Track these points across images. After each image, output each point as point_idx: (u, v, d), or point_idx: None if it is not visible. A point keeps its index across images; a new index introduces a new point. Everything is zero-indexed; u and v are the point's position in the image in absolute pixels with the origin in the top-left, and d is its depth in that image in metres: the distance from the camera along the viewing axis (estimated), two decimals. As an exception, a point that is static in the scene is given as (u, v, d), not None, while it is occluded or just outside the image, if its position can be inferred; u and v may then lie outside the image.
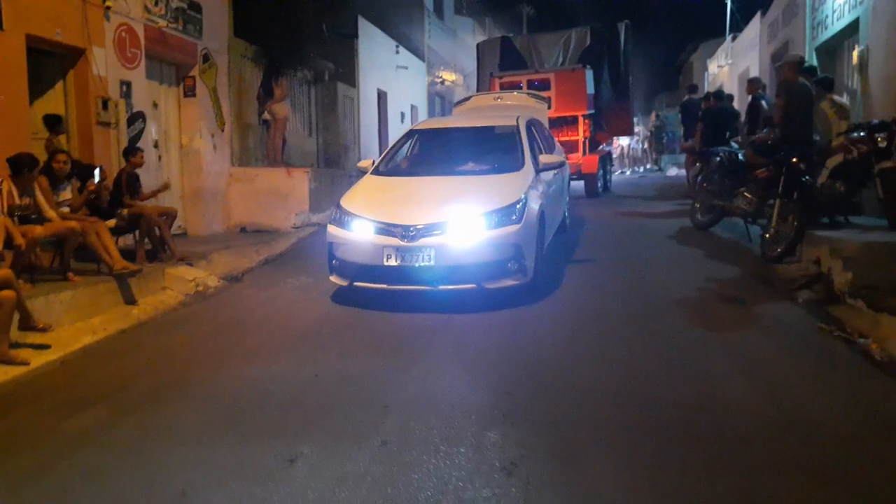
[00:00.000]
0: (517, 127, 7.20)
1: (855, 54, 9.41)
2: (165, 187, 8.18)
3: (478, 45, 17.09)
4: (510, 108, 9.58)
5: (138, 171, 7.71)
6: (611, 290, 6.35)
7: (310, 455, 3.29)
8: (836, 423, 3.56)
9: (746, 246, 7.96)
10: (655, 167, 25.92)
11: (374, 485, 2.99)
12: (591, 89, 14.01)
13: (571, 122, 13.71)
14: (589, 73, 13.98)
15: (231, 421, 3.77)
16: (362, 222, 5.91)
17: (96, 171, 7.06)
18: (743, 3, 22.06)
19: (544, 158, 6.85)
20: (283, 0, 11.41)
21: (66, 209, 6.70)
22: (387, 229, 5.73)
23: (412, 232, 5.63)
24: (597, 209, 12.02)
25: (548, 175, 7.00)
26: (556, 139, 9.59)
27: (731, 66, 21.35)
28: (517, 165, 6.62)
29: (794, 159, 7.17)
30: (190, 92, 10.25)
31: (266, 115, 12.00)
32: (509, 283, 5.77)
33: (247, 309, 6.42)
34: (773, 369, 4.37)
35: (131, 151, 7.74)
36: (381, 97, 18.85)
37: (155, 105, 9.73)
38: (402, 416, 3.72)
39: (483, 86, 15.34)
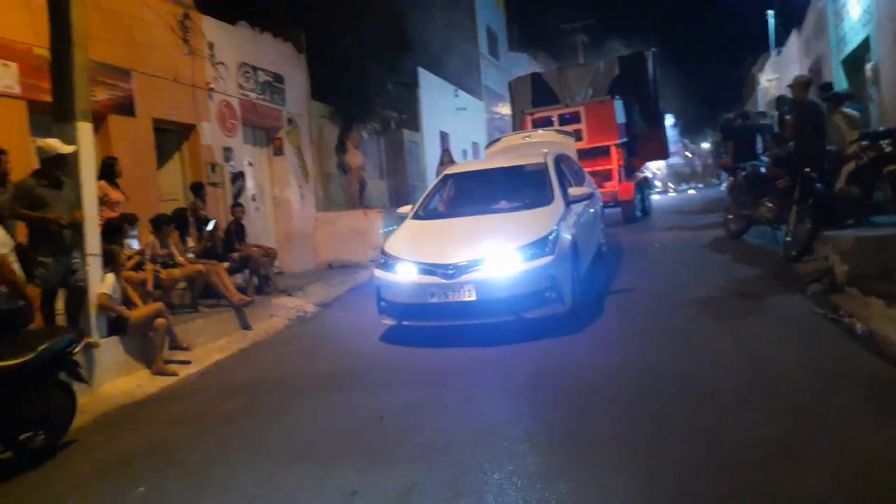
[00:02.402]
0: (545, 164, 7.44)
1: (868, 68, 10.10)
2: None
3: (510, 84, 17.37)
4: (538, 145, 9.88)
5: (242, 221, 9.26)
6: (644, 303, 6.91)
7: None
8: (799, 377, 4.48)
9: (771, 249, 8.74)
10: (717, 181, 26.21)
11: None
12: (621, 118, 14.25)
13: (604, 151, 13.86)
14: (618, 104, 14.25)
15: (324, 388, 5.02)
16: (405, 265, 6.20)
17: (211, 223, 8.58)
18: (784, 18, 22.50)
19: (574, 191, 7.10)
20: (350, 63, 12.97)
21: (191, 256, 8.22)
22: (429, 269, 6.03)
23: (452, 270, 5.91)
24: (635, 233, 12.58)
25: (578, 207, 7.21)
26: (585, 171, 9.84)
27: (778, 79, 21.80)
28: (547, 200, 6.85)
29: (807, 169, 8.00)
30: (278, 151, 11.86)
31: (343, 165, 13.53)
32: (548, 311, 5.96)
33: (337, 328, 7.73)
34: (764, 344, 5.27)
35: (236, 206, 9.32)
36: (444, 138, 20.27)
37: (251, 164, 11.35)
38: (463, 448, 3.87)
39: (516, 123, 15.78)
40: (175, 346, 6.69)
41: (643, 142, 15.25)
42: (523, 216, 6.64)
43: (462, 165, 8.92)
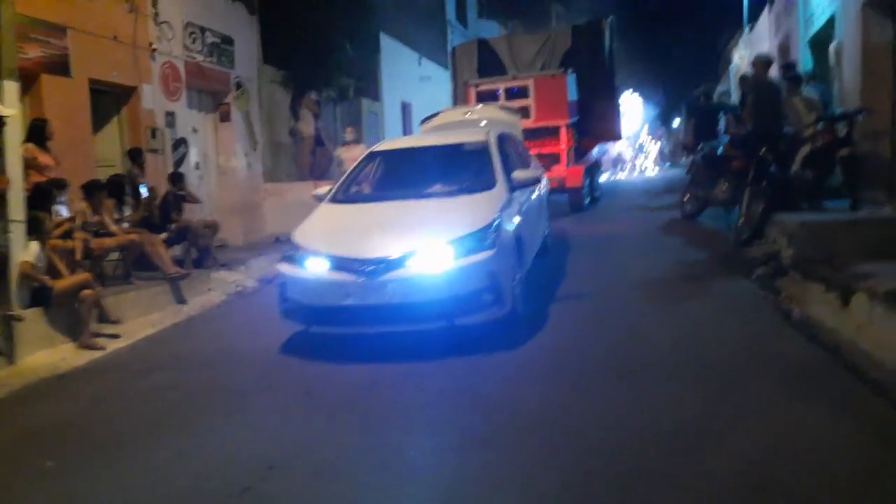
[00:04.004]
0: (487, 142, 6.81)
1: (831, 49, 10.34)
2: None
3: (452, 50, 16.04)
4: (479, 123, 9.18)
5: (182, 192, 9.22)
6: (591, 297, 6.64)
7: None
8: (726, 359, 4.69)
9: (724, 232, 9.01)
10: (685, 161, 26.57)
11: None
12: (573, 95, 13.41)
13: (553, 132, 12.94)
14: (571, 79, 13.34)
15: (265, 379, 5.11)
16: (317, 258, 5.43)
17: (142, 188, 8.52)
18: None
19: (519, 175, 6.47)
20: (306, 26, 12.83)
21: (126, 225, 8.17)
22: (344, 264, 5.26)
23: (372, 266, 5.16)
24: (586, 217, 12.52)
25: (524, 193, 6.66)
26: (531, 153, 9.36)
27: (750, 56, 22.07)
28: (489, 184, 6.20)
29: (762, 151, 8.22)
30: (225, 117, 11.77)
31: (295, 134, 13.45)
32: (485, 317, 5.31)
33: (275, 304, 7.76)
34: (700, 327, 5.49)
35: (179, 178, 9.26)
36: (406, 108, 20.21)
37: (195, 130, 11.25)
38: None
39: (458, 96, 14.65)
40: (104, 319, 6.69)
41: (596, 121, 14.43)
42: (460, 203, 5.98)
43: (392, 142, 8.15)
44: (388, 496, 3.26)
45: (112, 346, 6.45)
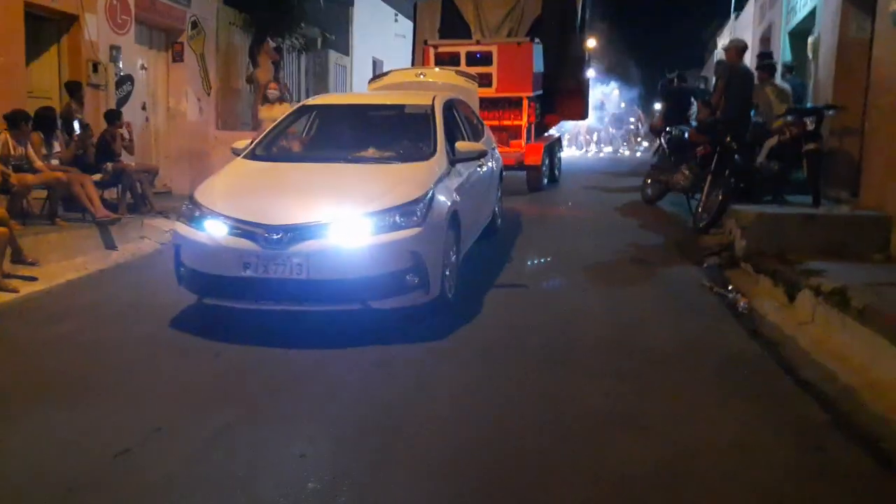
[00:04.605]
0: (432, 107, 6.33)
1: (809, 41, 10.30)
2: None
3: (415, 6, 15.14)
4: (433, 87, 8.69)
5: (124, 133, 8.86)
6: (534, 281, 6.38)
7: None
8: (662, 348, 4.62)
9: (683, 218, 8.97)
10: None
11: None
12: (539, 67, 12.72)
13: (515, 104, 12.39)
14: (538, 49, 12.59)
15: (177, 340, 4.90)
16: (217, 220, 4.83)
17: (76, 123, 8.15)
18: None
19: (463, 146, 5.98)
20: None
21: (55, 162, 7.81)
22: (246, 230, 4.70)
23: (278, 235, 4.62)
24: (545, 194, 12.18)
25: (468, 167, 6.20)
26: (489, 126, 8.88)
27: (734, 45, 22.06)
28: (427, 153, 5.76)
29: (728, 139, 8.15)
30: (178, 57, 11.35)
31: (252, 81, 13.02)
32: (406, 301, 4.86)
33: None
34: (640, 314, 5.41)
35: (117, 117, 8.87)
36: (377, 66, 19.80)
37: (143, 68, 10.82)
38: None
39: (416, 56, 13.87)
40: (19, 259, 6.39)
41: (561, 97, 13.88)
42: (392, 171, 5.50)
43: (328, 97, 7.69)
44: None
45: (27, 288, 6.15)
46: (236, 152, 6.09)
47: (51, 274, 6.58)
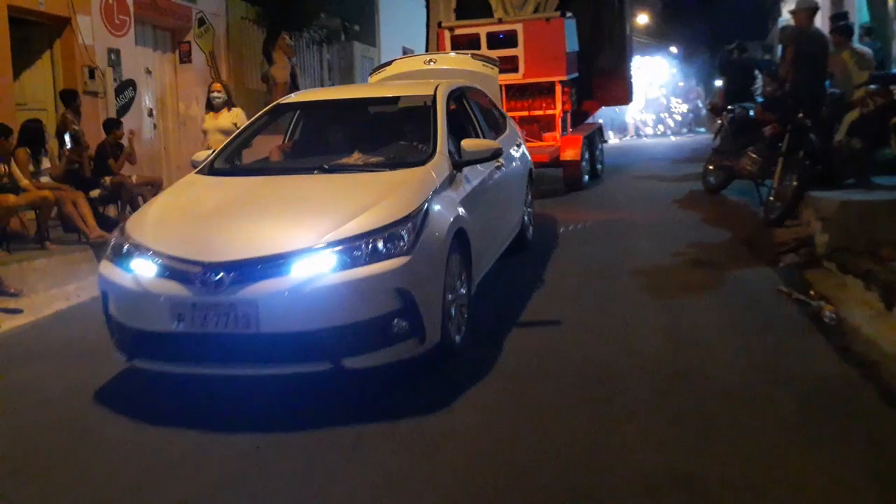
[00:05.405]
0: (433, 99, 5.37)
1: (891, -2, 9.42)
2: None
3: None
4: (445, 74, 7.66)
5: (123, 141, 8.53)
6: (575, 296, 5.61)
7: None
8: (729, 377, 3.97)
9: (752, 209, 8.23)
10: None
11: None
12: (573, 45, 11.55)
13: (546, 90, 11.22)
14: (570, 24, 11.39)
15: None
16: (146, 257, 3.93)
17: (66, 136, 7.84)
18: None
19: (470, 145, 4.96)
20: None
21: (45, 179, 7.50)
22: (178, 270, 3.80)
23: (218, 274, 3.69)
24: (585, 197, 10.71)
25: (480, 170, 5.30)
26: (511, 118, 7.95)
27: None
28: (423, 157, 4.82)
29: (800, 115, 7.42)
30: (186, 58, 11.04)
31: (268, 80, 12.67)
32: (393, 355, 3.88)
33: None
34: (703, 330, 4.75)
35: (116, 126, 8.56)
36: (407, 56, 19.34)
37: (148, 72, 10.52)
38: None
39: (430, 41, 12.73)
40: (1, 290, 6.06)
41: (601, 79, 12.68)
42: (377, 182, 4.52)
43: (308, 93, 6.88)
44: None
45: (9, 323, 5.84)
46: (195, 165, 5.24)
47: (39, 305, 6.29)
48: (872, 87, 7.61)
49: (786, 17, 25.19)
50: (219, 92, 9.11)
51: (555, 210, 9.22)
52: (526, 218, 7.02)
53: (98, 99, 9.23)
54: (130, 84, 9.93)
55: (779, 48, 12.34)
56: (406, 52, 19.23)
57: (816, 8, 8.26)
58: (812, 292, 5.39)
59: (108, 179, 8.11)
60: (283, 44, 12.15)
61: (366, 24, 16.72)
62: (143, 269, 3.89)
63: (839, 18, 9.07)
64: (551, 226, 8.32)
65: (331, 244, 3.78)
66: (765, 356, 4.27)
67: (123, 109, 9.72)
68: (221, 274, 3.68)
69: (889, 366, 4.01)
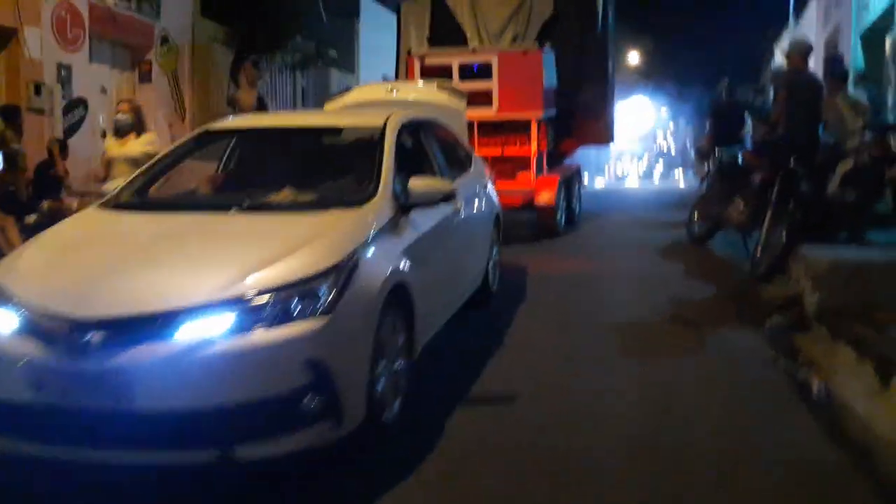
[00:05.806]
0: (382, 130, 4.92)
1: (888, 41, 9.30)
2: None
3: (398, 7, 13.11)
4: (407, 104, 7.44)
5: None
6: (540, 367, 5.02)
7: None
8: (703, 459, 3.62)
9: (738, 263, 8.00)
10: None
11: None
12: (551, 81, 11.10)
13: (521, 127, 10.68)
14: (549, 58, 10.98)
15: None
16: (9, 308, 3.37)
17: (0, 156, 7.42)
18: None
19: (418, 185, 4.49)
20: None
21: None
22: (42, 326, 3.24)
23: (87, 334, 3.13)
24: (560, 244, 10.26)
25: (432, 215, 4.78)
26: (477, 156, 7.35)
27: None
28: (363, 196, 4.30)
29: (791, 162, 7.20)
30: (145, 77, 10.69)
31: (234, 105, 12.30)
32: (301, 442, 3.27)
33: None
34: (678, 400, 4.42)
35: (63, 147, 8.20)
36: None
37: (104, 91, 10.15)
38: None
39: (400, 69, 12.26)
40: None
41: (581, 117, 12.00)
42: (301, 224, 4.02)
43: (242, 119, 6.49)
44: None
45: None
46: (101, 196, 4.71)
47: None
48: (868, 135, 7.42)
49: (778, 59, 25.42)
50: (124, 113, 7.94)
51: (525, 258, 8.67)
52: (490, 268, 6.54)
53: (44, 117, 8.84)
54: (81, 102, 9.56)
55: (770, 90, 12.17)
56: (386, 79, 19.01)
57: (810, 49, 8.13)
58: (800, 358, 5.08)
59: (45, 204, 7.68)
60: (247, 72, 11.73)
61: (344, 49, 16.49)
62: (4, 322, 3.31)
63: (834, 62, 8.93)
64: (519, 276, 7.79)
65: (226, 302, 3.20)
66: (745, 435, 3.94)
67: (72, 129, 9.32)
68: (91, 333, 3.10)
69: (885, 454, 3.64)
